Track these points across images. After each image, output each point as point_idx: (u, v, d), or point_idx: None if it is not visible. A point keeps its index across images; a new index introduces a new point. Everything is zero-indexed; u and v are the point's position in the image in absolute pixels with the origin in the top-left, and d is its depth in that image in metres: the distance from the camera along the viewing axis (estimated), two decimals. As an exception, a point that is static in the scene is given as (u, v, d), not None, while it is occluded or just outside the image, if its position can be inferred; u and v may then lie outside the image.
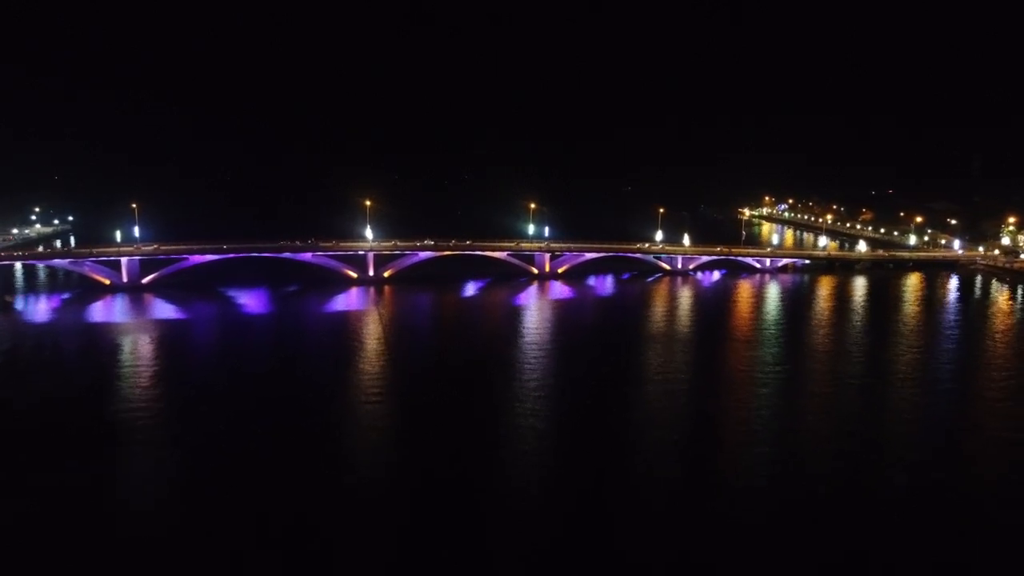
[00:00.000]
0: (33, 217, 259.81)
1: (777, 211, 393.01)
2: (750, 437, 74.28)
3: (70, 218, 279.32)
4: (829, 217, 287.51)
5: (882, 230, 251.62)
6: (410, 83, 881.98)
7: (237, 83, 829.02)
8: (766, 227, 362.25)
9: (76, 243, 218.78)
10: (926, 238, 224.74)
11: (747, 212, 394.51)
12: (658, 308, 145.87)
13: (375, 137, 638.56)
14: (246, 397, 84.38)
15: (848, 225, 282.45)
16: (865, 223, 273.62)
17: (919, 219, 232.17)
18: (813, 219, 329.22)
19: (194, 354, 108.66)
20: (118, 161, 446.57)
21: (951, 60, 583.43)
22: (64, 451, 69.14)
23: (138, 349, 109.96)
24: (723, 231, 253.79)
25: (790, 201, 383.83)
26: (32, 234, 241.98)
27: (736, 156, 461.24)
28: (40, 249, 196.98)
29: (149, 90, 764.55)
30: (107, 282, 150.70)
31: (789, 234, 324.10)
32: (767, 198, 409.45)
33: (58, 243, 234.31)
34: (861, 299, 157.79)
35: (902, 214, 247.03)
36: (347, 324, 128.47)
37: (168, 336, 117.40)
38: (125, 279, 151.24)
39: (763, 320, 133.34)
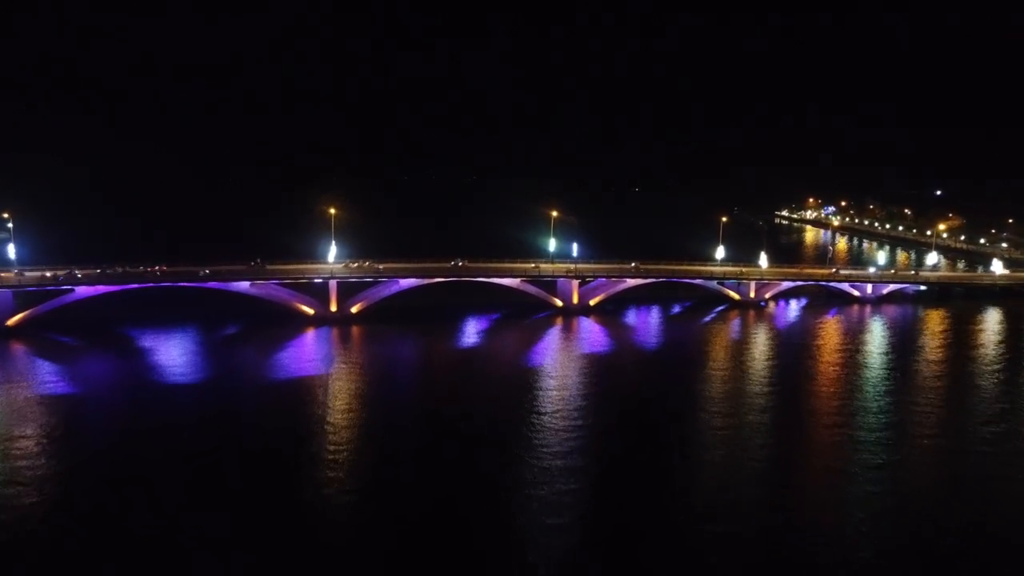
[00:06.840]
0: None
1: (823, 215, 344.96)
2: None
3: (9, 225, 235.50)
4: (940, 229, 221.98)
5: (982, 240, 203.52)
6: (411, 82, 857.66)
7: (235, 81, 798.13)
8: (810, 233, 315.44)
9: (15, 257, 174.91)
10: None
11: (837, 222, 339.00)
12: (734, 360, 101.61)
13: (377, 137, 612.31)
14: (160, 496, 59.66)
15: (928, 234, 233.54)
16: (953, 232, 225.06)
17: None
18: (877, 225, 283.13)
19: (79, 440, 70.81)
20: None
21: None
22: None
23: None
24: (769, 240, 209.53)
25: (842, 203, 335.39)
26: None
27: (745, 156, 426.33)
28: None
29: (147, 89, 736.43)
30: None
31: (843, 243, 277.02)
32: (811, 199, 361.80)
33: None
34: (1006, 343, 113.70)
35: (1010, 221, 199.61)
36: (291, 393, 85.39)
37: (37, 409, 77.84)
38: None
39: (894, 380, 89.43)
